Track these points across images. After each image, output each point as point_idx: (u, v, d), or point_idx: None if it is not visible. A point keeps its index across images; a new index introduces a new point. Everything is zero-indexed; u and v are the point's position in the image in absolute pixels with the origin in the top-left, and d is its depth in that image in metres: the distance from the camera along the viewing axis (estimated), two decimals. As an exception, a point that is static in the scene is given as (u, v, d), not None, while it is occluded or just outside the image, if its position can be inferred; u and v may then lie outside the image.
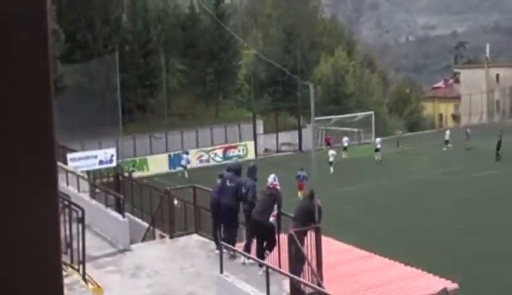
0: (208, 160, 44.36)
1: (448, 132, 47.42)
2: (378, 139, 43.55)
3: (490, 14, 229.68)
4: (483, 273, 17.83)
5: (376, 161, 41.72)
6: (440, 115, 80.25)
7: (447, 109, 79.70)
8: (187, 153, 40.92)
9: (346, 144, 44.86)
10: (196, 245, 13.20)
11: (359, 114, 51.98)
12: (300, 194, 32.51)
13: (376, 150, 42.44)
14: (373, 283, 9.79)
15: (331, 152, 38.40)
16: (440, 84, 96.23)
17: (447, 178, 34.12)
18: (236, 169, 12.37)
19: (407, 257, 11.23)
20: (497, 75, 73.74)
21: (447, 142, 45.35)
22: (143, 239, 14.45)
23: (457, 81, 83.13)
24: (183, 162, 40.07)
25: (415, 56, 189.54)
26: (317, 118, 40.85)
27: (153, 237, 14.62)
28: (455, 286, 9.73)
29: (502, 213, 25.37)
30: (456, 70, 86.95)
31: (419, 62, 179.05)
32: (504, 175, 33.22)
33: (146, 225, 15.14)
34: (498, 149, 39.51)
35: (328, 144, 47.46)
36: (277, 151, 48.28)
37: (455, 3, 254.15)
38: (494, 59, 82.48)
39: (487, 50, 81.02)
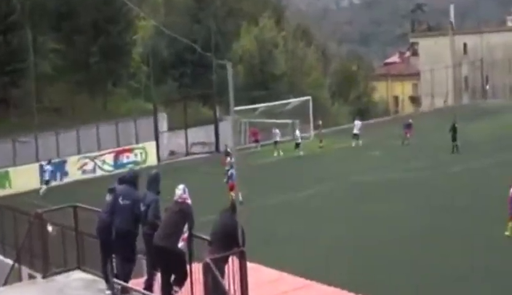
0: (94, 170, 43.47)
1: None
2: (298, 133, 45.18)
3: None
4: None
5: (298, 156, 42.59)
6: (396, 98, 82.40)
7: (403, 90, 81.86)
8: (49, 162, 39.63)
9: (278, 138, 45.40)
10: (79, 285, 12.84)
11: (292, 100, 52.51)
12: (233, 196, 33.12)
13: (320, 144, 44.54)
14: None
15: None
16: (395, 58, 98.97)
17: (404, 177, 35.06)
18: (131, 181, 12.11)
19: (355, 283, 11.40)
20: (464, 45, 76.54)
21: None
22: (5, 283, 13.94)
23: (415, 54, 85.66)
24: (47, 176, 38.99)
25: (362, 23, 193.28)
26: (238, 107, 41.08)
27: (19, 278, 14.13)
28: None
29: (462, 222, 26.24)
30: (413, 40, 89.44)
31: (367, 31, 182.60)
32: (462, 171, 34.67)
33: (9, 262, 14.62)
34: (454, 139, 41.07)
35: (256, 140, 47.67)
36: (187, 153, 48.06)
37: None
38: (460, 24, 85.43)
39: (451, 13, 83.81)
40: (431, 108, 70.53)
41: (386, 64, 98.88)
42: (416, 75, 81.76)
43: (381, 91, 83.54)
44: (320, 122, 49.67)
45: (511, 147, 39.36)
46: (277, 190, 33.42)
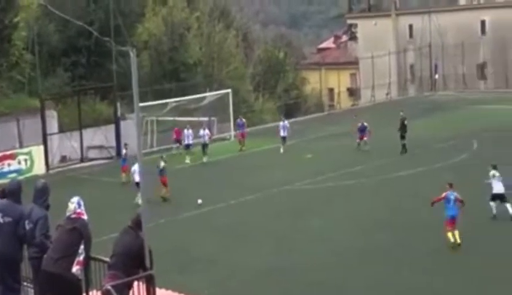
0: (-32, 181, 42.71)
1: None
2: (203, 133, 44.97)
3: None
4: None
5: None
6: (331, 91, 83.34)
7: (340, 81, 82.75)
8: None
9: (191, 141, 45.18)
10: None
11: (209, 93, 52.60)
12: (164, 192, 33.49)
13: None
14: None
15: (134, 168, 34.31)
16: (329, 43, 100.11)
17: (340, 185, 35.60)
18: (13, 193, 12.01)
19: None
20: (410, 27, 78.07)
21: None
22: None
23: (353, 38, 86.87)
24: None
25: (291, 1, 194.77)
26: (144, 104, 41.01)
27: None
28: None
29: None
30: (350, 21, 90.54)
31: (295, 11, 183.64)
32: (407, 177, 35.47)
33: None
34: (402, 137, 41.98)
35: (178, 140, 47.11)
36: (82, 159, 47.57)
37: None
38: (405, 2, 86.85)
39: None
40: (371, 102, 71.49)
41: (320, 50, 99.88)
42: (354, 63, 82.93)
43: (314, 82, 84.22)
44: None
45: (463, 147, 40.42)
46: (189, 202, 33.45)
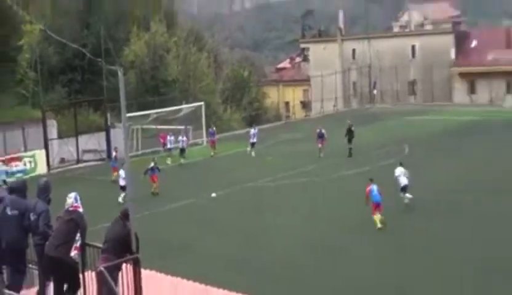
0: (-20, 180, 42.19)
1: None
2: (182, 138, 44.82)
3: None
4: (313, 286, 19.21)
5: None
6: (287, 104, 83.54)
7: (294, 96, 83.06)
8: None
9: (171, 145, 45.33)
10: (-32, 298, 12.58)
11: (185, 106, 52.51)
12: (154, 188, 33.86)
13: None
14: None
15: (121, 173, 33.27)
16: (286, 64, 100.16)
17: (296, 181, 35.69)
18: (19, 189, 11.94)
19: (249, 287, 11.66)
20: (353, 51, 78.47)
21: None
22: None
23: (306, 59, 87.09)
24: None
25: (254, 28, 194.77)
26: (130, 114, 40.80)
27: None
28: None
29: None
30: (303, 45, 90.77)
31: (259, 36, 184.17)
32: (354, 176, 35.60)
33: None
34: (349, 141, 41.86)
35: (164, 144, 47.11)
36: (79, 161, 47.27)
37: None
38: (349, 30, 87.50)
39: (340, 19, 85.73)
40: (321, 113, 71.71)
41: (278, 69, 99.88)
42: (306, 80, 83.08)
43: (273, 96, 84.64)
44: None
45: (397, 151, 40.69)
46: (170, 198, 33.34)
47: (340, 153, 41.44)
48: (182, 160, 43.59)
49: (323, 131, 43.25)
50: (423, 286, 19.79)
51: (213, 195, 33.12)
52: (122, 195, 30.81)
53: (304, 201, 31.54)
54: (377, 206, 26.34)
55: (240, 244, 25.29)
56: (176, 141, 45.23)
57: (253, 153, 44.79)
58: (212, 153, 46.68)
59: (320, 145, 42.83)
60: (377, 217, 26.11)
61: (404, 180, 28.73)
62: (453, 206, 28.67)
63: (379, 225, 25.86)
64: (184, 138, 45.41)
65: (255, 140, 45.35)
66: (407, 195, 28.49)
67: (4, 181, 33.23)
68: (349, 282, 20.19)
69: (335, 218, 28.35)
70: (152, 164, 34.07)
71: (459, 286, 19.41)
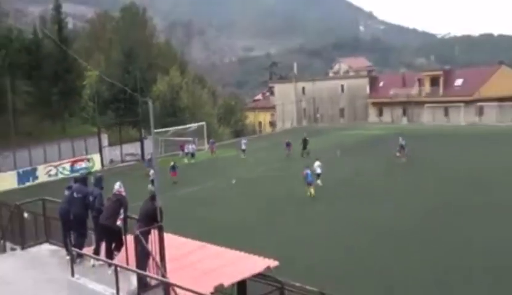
0: (56, 174, 41.59)
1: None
2: (191, 147, 44.95)
3: (296, 38, 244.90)
4: (295, 253, 19.02)
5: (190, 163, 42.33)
6: (260, 123, 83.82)
7: (265, 117, 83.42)
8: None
9: (191, 150, 44.99)
10: (47, 253, 12.36)
11: (192, 124, 52.33)
12: (174, 179, 33.29)
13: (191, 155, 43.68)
14: (210, 268, 9.94)
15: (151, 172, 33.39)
16: (259, 97, 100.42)
17: (269, 175, 35.72)
18: (82, 180, 11.81)
19: (236, 244, 11.55)
20: (303, 88, 78.79)
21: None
22: (-7, 253, 13.16)
23: (272, 94, 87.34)
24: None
25: (238, 73, 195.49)
26: (156, 130, 40.61)
27: (4, 250, 13.38)
28: (276, 263, 10.23)
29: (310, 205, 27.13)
30: (271, 84, 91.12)
31: (241, 79, 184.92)
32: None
33: (-4, 239, 13.81)
34: (304, 147, 41.91)
35: (182, 150, 47.34)
36: (122, 161, 46.87)
37: (266, 29, 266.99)
38: (300, 75, 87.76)
39: (295, 68, 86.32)
40: (282, 129, 71.97)
41: (254, 100, 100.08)
42: (273, 108, 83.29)
43: (251, 118, 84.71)
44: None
45: (332, 154, 40.76)
46: (184, 185, 33.20)
47: (296, 156, 41.46)
48: (192, 161, 43.35)
49: (289, 140, 43.67)
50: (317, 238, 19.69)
51: (233, 181, 32.76)
52: (150, 185, 30.59)
53: (273, 186, 31.59)
54: (309, 184, 27.81)
55: (236, 214, 25.31)
56: (189, 148, 45.24)
57: (242, 156, 44.54)
58: (212, 156, 46.58)
59: (287, 151, 42.93)
60: (309, 189, 27.72)
61: (318, 170, 30.11)
62: (352, 190, 29.23)
63: (312, 194, 27.45)
64: (194, 146, 45.45)
65: (245, 147, 45.35)
66: (318, 181, 29.69)
67: (90, 172, 33.11)
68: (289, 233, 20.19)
69: (287, 193, 28.58)
70: (172, 163, 33.88)
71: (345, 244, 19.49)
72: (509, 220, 21.82)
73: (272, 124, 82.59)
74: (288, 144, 43.57)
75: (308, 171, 28.26)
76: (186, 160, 43.85)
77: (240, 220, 24.18)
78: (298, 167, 35.43)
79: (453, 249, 18.69)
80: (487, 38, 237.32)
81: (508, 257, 17.61)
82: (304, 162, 32.77)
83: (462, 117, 59.47)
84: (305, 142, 42.27)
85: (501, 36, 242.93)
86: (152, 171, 31.06)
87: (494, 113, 58.34)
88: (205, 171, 39.02)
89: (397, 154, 38.28)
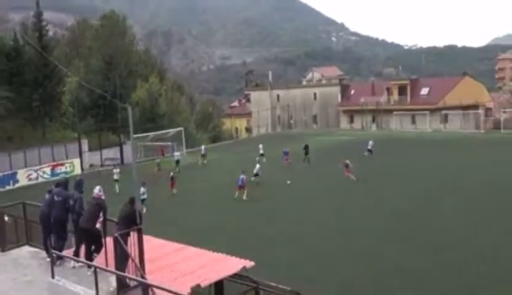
0: (37, 178, 40.94)
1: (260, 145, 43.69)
2: (177, 153, 43.58)
3: (271, 48, 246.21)
4: (272, 253, 19.08)
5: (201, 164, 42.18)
6: (236, 128, 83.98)
7: (241, 123, 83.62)
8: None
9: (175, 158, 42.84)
10: (28, 255, 12.14)
11: (171, 130, 51.99)
12: (174, 191, 31.66)
13: (177, 162, 41.38)
14: (188, 270, 9.92)
15: (115, 170, 34.63)
16: (236, 103, 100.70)
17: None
18: (63, 184, 11.67)
19: (214, 246, 11.56)
20: (278, 95, 79.12)
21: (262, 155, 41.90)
22: (-26, 256, 12.85)
23: (248, 101, 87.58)
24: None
25: (215, 81, 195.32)
26: (136, 135, 40.22)
27: (-16, 253, 13.09)
28: (251, 263, 10.26)
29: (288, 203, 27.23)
30: (247, 92, 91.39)
31: (218, 86, 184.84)
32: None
33: (-24, 242, 13.50)
34: (306, 153, 40.02)
35: (162, 154, 47.02)
36: (102, 165, 46.39)
37: (243, 38, 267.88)
38: (275, 82, 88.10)
39: (270, 76, 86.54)
40: (258, 134, 72.11)
41: (231, 107, 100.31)
42: (249, 114, 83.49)
43: (228, 124, 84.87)
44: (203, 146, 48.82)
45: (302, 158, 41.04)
46: (161, 188, 33.01)
47: (272, 160, 41.47)
48: (177, 169, 40.38)
49: (287, 149, 40.53)
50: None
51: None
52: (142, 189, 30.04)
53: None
54: (240, 187, 28.51)
55: (216, 216, 25.22)
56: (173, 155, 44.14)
57: (199, 162, 43.90)
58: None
59: (287, 160, 39.23)
60: (239, 192, 28.40)
61: (242, 177, 29.51)
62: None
63: (242, 198, 28.03)
64: (178, 153, 44.18)
65: (204, 152, 44.36)
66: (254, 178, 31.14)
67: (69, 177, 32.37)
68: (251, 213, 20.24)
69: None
70: (171, 174, 32.67)
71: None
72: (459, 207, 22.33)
73: (248, 130, 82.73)
74: (286, 153, 40.06)
75: (242, 176, 28.72)
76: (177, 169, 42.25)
77: (224, 223, 24.09)
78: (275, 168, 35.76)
79: (423, 248, 18.98)
80: (451, 49, 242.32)
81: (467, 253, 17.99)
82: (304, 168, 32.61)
83: (428, 124, 60.52)
84: (307, 149, 40.33)
85: (464, 47, 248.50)
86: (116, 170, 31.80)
87: (458, 121, 59.55)
88: (189, 175, 38.86)
89: (365, 154, 39.22)
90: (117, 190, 30.04)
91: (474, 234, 20.56)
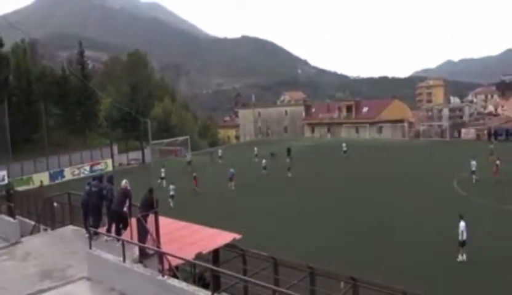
0: (79, 174, 40.20)
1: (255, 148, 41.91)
2: (188, 156, 42.01)
3: (254, 77, 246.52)
4: (254, 225, 18.96)
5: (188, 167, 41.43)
6: (228, 136, 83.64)
7: (231, 133, 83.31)
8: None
9: (187, 159, 40.85)
10: (71, 233, 11.90)
11: (180, 137, 51.56)
12: (196, 189, 28.99)
13: (189, 162, 39.34)
14: (191, 241, 9.82)
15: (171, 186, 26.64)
16: (228, 118, 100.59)
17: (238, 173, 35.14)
18: (98, 178, 11.46)
19: (210, 224, 11.43)
20: (259, 112, 78.88)
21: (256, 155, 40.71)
22: (31, 233, 12.57)
23: (237, 116, 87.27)
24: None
25: (212, 102, 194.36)
26: (153, 142, 39.62)
27: (38, 231, 12.79)
28: (239, 236, 10.19)
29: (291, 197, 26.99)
30: (236, 110, 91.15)
31: (215, 105, 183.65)
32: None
33: (33, 223, 13.21)
34: (288, 154, 38.81)
35: (176, 155, 46.01)
36: (128, 164, 45.71)
37: (233, 71, 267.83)
38: (257, 103, 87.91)
39: (253, 98, 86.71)
40: (244, 140, 71.77)
41: (224, 121, 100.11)
42: (237, 126, 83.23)
43: (222, 133, 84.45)
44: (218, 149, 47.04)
45: (282, 159, 40.11)
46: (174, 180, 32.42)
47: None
48: (189, 168, 37.81)
49: (274, 152, 39.09)
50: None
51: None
52: (158, 181, 29.43)
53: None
54: (230, 179, 27.89)
55: (219, 204, 24.90)
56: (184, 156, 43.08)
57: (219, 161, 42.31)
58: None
59: (272, 159, 37.80)
60: (230, 183, 27.71)
61: (231, 171, 28.88)
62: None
63: (233, 188, 27.32)
64: (189, 155, 42.35)
65: (189, 156, 41.83)
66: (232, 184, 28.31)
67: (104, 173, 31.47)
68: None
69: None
70: (194, 174, 29.60)
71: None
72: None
73: (237, 137, 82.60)
74: (272, 155, 38.68)
75: (231, 170, 27.95)
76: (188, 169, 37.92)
77: (218, 208, 23.81)
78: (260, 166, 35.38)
79: (367, 228, 19.03)
80: (384, 78, 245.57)
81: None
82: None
83: (368, 133, 61.10)
84: (289, 151, 39.50)
85: (393, 78, 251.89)
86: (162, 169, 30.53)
87: (389, 131, 60.25)
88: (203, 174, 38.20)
89: (344, 155, 38.22)
90: (172, 206, 24.71)
91: (396, 209, 20.72)
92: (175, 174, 33.86)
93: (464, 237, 14.38)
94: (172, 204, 23.88)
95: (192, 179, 29.16)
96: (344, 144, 39.74)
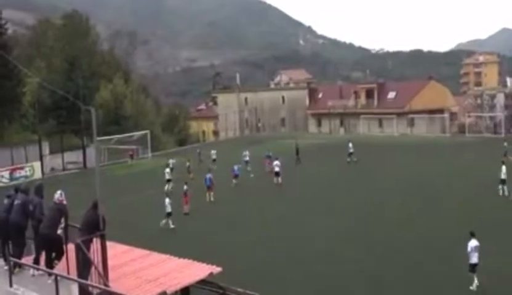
0: (-6, 183, 39.79)
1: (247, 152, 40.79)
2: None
3: (238, 50, 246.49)
4: (238, 257, 19.04)
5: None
6: (204, 131, 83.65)
7: (208, 126, 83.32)
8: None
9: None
10: (-16, 264, 11.75)
11: (136, 133, 51.46)
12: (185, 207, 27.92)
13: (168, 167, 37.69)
14: (153, 277, 9.79)
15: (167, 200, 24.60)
16: (203, 106, 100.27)
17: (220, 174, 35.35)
18: (22, 189, 11.41)
19: (179, 252, 11.44)
20: (246, 98, 79.19)
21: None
22: None
23: (215, 103, 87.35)
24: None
25: (181, 83, 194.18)
26: (99, 138, 39.60)
27: None
28: (218, 269, 10.21)
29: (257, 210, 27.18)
30: (214, 94, 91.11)
31: (185, 88, 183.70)
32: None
33: None
34: (297, 153, 40.19)
35: (132, 157, 46.53)
36: (64, 169, 45.40)
37: (210, 40, 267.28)
38: (243, 85, 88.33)
39: (238, 79, 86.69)
40: (225, 138, 72.04)
41: (198, 110, 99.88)
42: (216, 117, 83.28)
43: (194, 127, 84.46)
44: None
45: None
46: (125, 192, 32.48)
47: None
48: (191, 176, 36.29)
49: (270, 153, 39.64)
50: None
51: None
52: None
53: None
54: (208, 188, 28.88)
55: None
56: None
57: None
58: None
59: (268, 164, 37.68)
60: (208, 194, 28.80)
61: (208, 176, 29.37)
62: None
63: (212, 199, 28.53)
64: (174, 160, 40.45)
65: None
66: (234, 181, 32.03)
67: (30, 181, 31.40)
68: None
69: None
70: (185, 187, 27.56)
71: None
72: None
73: (216, 133, 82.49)
74: (268, 157, 38.82)
75: (208, 176, 28.95)
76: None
77: (187, 229, 23.90)
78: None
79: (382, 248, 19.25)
80: (417, 53, 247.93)
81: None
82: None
83: (395, 128, 61.64)
84: (297, 150, 40.57)
85: (429, 52, 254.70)
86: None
87: (424, 124, 60.88)
88: (149, 175, 38.36)
89: (348, 160, 39.28)
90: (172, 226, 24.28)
91: (433, 234, 20.96)
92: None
93: (475, 260, 14.68)
94: (171, 225, 23.48)
95: (183, 195, 27.17)
96: (350, 144, 40.09)
